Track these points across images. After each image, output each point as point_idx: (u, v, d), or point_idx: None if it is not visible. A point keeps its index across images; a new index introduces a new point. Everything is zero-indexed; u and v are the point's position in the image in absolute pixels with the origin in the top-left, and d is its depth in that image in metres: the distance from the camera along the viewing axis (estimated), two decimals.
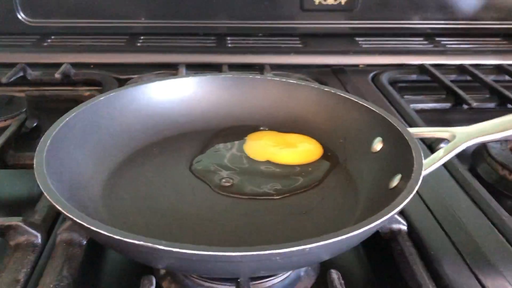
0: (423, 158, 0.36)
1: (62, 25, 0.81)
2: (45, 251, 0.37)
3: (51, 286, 0.32)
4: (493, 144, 0.54)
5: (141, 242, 0.26)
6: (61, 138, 0.38)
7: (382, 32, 0.83)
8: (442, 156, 0.37)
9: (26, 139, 0.57)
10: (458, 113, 0.65)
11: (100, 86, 0.67)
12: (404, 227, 0.39)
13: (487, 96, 0.66)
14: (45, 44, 0.78)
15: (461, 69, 0.72)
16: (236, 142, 0.47)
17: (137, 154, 0.45)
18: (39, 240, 0.37)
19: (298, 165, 0.44)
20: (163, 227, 0.36)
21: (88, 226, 0.27)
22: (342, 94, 0.47)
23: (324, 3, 0.79)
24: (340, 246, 0.29)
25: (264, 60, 0.73)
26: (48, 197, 0.30)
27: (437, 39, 0.83)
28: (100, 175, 0.41)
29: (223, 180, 0.41)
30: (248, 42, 0.80)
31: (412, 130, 0.40)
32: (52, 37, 0.80)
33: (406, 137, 0.38)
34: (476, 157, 0.55)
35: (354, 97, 0.46)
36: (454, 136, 0.39)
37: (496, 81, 0.68)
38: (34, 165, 0.34)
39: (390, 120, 0.41)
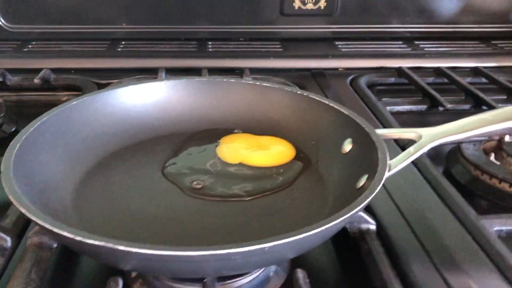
0: (388, 158, 0.36)
1: (43, 31, 0.81)
2: (15, 255, 0.38)
3: None
4: (466, 145, 0.55)
5: (102, 243, 0.26)
6: (31, 142, 0.39)
7: (361, 36, 0.84)
8: (407, 157, 0.38)
9: (4, 144, 0.57)
10: (433, 115, 0.66)
11: (80, 91, 0.67)
12: (372, 227, 0.39)
13: (463, 98, 0.67)
14: (26, 49, 0.79)
15: (438, 71, 0.73)
16: (210, 145, 0.48)
17: (110, 158, 0.45)
18: (9, 244, 0.37)
19: (271, 167, 0.45)
20: (132, 229, 0.37)
21: (49, 227, 0.28)
22: (314, 97, 0.47)
23: (303, 7, 0.80)
24: (299, 245, 0.29)
25: (244, 64, 0.74)
26: (11, 198, 0.30)
27: (415, 42, 0.85)
28: (71, 179, 0.41)
29: (194, 183, 0.42)
30: (229, 46, 0.80)
31: (379, 131, 0.41)
32: (33, 42, 0.80)
33: (373, 138, 0.39)
34: (450, 158, 0.56)
35: (325, 100, 0.46)
36: (420, 137, 0.40)
37: (472, 83, 0.69)
38: (1, 169, 0.34)
39: (358, 122, 0.42)
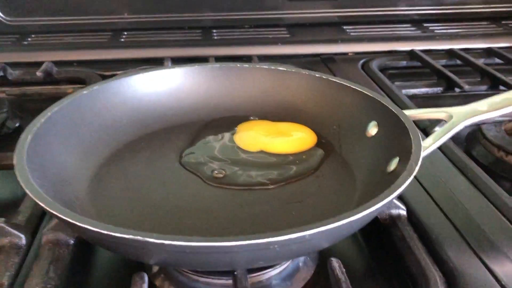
0: (421, 139, 0.35)
1: (43, 23, 0.78)
2: (30, 253, 0.36)
3: None
4: (487, 126, 0.53)
5: (131, 236, 0.25)
6: (43, 133, 0.37)
7: (369, 20, 0.82)
8: (440, 136, 0.36)
9: (8, 139, 0.55)
10: (449, 98, 0.64)
11: (84, 84, 0.65)
12: (403, 212, 0.38)
13: (478, 79, 0.65)
14: (25, 43, 0.76)
15: (450, 53, 0.72)
16: (226, 133, 0.46)
17: (124, 149, 0.43)
18: (23, 242, 0.35)
19: (292, 154, 0.43)
20: (154, 221, 0.35)
21: (73, 221, 0.26)
22: (334, 80, 0.45)
23: None
24: (341, 231, 0.27)
25: (252, 51, 0.72)
26: (29, 193, 0.28)
27: (425, 25, 0.83)
28: (86, 171, 0.39)
29: (215, 172, 0.40)
30: (234, 34, 0.78)
31: (407, 112, 0.39)
32: (33, 35, 0.78)
33: (403, 119, 0.37)
34: (470, 140, 0.54)
35: (346, 82, 0.44)
36: (451, 116, 0.38)
37: (487, 65, 0.67)
38: (14, 162, 0.32)
39: (385, 103, 0.40)
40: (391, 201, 0.29)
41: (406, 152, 0.34)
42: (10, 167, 0.46)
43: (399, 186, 0.29)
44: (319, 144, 0.44)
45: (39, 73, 0.65)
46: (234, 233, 0.34)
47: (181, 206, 0.36)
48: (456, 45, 0.74)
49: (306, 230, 0.25)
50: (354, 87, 0.44)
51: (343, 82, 0.45)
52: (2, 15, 0.77)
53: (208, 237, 0.24)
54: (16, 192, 0.45)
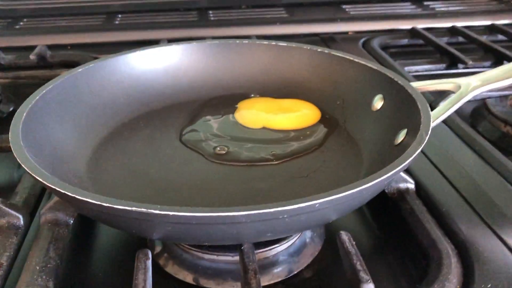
0: (429, 109, 0.34)
1: (35, 7, 0.77)
2: (29, 233, 0.35)
3: (38, 268, 0.30)
4: (493, 101, 0.52)
5: (134, 208, 0.24)
6: (38, 111, 0.35)
7: None
8: (448, 107, 0.35)
9: (2, 124, 0.53)
10: (453, 75, 0.63)
11: None
12: (411, 186, 0.37)
13: (481, 56, 0.64)
14: (18, 27, 0.74)
15: (453, 30, 0.70)
16: (227, 111, 0.45)
17: (123, 128, 0.42)
18: (21, 222, 0.34)
19: (296, 130, 0.42)
20: (156, 199, 0.34)
21: (75, 195, 0.25)
22: (336, 54, 0.44)
23: None
24: (352, 201, 0.26)
25: (249, 32, 0.70)
26: (26, 168, 0.27)
27: (425, 3, 0.81)
28: (84, 151, 0.38)
29: (218, 149, 0.39)
30: (231, 14, 0.77)
31: (414, 84, 0.38)
32: (25, 19, 0.76)
33: (410, 91, 0.36)
34: (475, 115, 0.53)
35: (350, 56, 0.43)
36: (459, 87, 0.37)
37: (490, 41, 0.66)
38: (10, 138, 0.31)
39: (391, 76, 0.39)
40: (402, 170, 0.28)
41: (414, 123, 0.33)
42: (5, 150, 0.45)
43: (411, 155, 0.28)
44: (323, 120, 0.43)
45: (32, 57, 0.64)
46: None
47: (183, 184, 0.35)
48: (458, 23, 0.73)
49: (316, 199, 0.24)
50: (358, 60, 0.42)
51: (346, 56, 0.43)
52: None
53: (215, 208, 0.23)
54: (12, 175, 0.44)
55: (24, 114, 0.34)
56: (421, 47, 0.69)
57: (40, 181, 0.26)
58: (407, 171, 0.38)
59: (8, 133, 0.31)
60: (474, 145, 0.43)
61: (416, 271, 0.32)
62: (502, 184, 0.38)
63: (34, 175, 0.26)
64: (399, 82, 0.38)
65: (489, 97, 0.52)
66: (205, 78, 0.48)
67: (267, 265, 0.32)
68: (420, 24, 0.72)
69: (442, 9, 0.79)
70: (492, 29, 0.71)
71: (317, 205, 0.24)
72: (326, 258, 0.34)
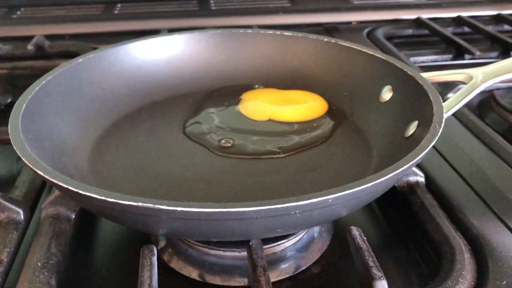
0: (441, 101, 0.33)
1: None
2: (29, 228, 0.34)
3: (39, 264, 0.29)
4: (500, 92, 0.52)
5: (140, 204, 0.23)
6: (37, 103, 0.34)
7: None
8: (461, 98, 0.34)
9: (0, 115, 0.52)
10: (459, 66, 0.62)
11: None
12: (421, 179, 0.36)
13: (488, 46, 0.63)
14: (15, 16, 0.73)
15: (458, 20, 0.69)
16: (231, 103, 0.44)
17: (124, 119, 0.41)
18: (22, 217, 0.33)
19: (302, 122, 0.41)
20: (160, 192, 0.33)
21: (78, 190, 0.24)
22: (343, 43, 0.43)
23: None
24: (364, 196, 0.25)
25: (252, 21, 0.69)
26: (27, 163, 0.26)
27: None
28: (85, 143, 0.37)
29: (223, 141, 0.38)
30: (233, 3, 0.75)
31: (424, 74, 0.37)
32: (22, 8, 0.74)
33: (420, 82, 0.35)
34: (483, 107, 0.52)
35: (357, 46, 0.42)
36: (470, 78, 0.36)
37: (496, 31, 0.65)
38: (9, 131, 0.30)
39: (400, 66, 0.38)
40: (417, 162, 0.27)
41: (425, 115, 0.32)
42: (3, 142, 0.44)
43: (425, 148, 0.27)
44: (330, 112, 0.42)
45: (30, 47, 0.62)
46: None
47: (188, 177, 0.34)
48: (464, 12, 0.71)
49: (329, 194, 0.23)
50: (365, 50, 0.41)
51: (353, 46, 0.42)
52: None
53: (225, 203, 0.22)
54: (11, 168, 0.43)
55: (24, 106, 0.32)
56: (426, 37, 0.68)
57: (43, 176, 0.25)
58: (417, 164, 0.37)
59: (6, 125, 0.30)
60: (483, 137, 0.42)
61: (428, 267, 0.31)
62: None
63: (36, 170, 0.25)
64: (409, 72, 0.37)
65: (497, 89, 0.51)
66: (208, 68, 0.46)
67: (275, 261, 0.31)
68: (425, 14, 0.71)
69: None
70: (498, 19, 0.70)
71: (330, 200, 0.23)
72: (335, 253, 0.33)
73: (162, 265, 0.31)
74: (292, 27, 0.69)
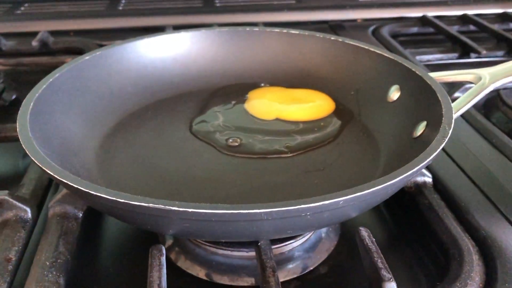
0: (450, 101, 0.33)
1: None
2: (37, 226, 0.34)
3: (47, 264, 0.29)
4: (507, 92, 0.51)
5: (151, 205, 0.23)
6: (45, 101, 0.34)
7: None
8: (470, 99, 0.34)
9: (5, 112, 0.52)
10: (465, 65, 0.62)
11: (82, 54, 0.62)
12: (429, 179, 0.36)
13: (494, 45, 0.63)
14: (19, 12, 0.73)
15: (464, 19, 0.69)
16: (237, 101, 0.44)
17: (131, 118, 0.41)
18: (29, 215, 0.33)
19: (309, 121, 0.40)
20: (167, 191, 0.33)
21: (88, 191, 0.24)
22: (351, 42, 0.43)
23: None
24: (375, 198, 0.25)
25: (256, 18, 0.69)
26: (36, 162, 0.26)
27: None
28: (92, 141, 0.37)
29: (230, 140, 0.38)
30: (238, 0, 0.75)
31: (432, 74, 0.37)
32: (26, 4, 0.74)
33: (429, 82, 0.35)
34: (489, 107, 0.52)
35: (364, 44, 0.42)
36: (479, 78, 0.36)
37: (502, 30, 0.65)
38: (18, 129, 0.29)
39: (408, 66, 0.38)
40: (428, 164, 0.27)
41: (434, 115, 0.32)
42: (9, 139, 0.44)
43: (436, 149, 0.27)
44: (337, 111, 0.41)
45: (34, 43, 0.62)
46: (255, 202, 0.32)
47: (195, 176, 0.34)
48: (469, 11, 0.71)
49: (340, 196, 0.23)
50: (373, 49, 0.41)
51: (360, 45, 0.42)
52: None
53: (236, 205, 0.22)
54: (17, 165, 0.43)
55: (31, 104, 0.32)
56: (431, 35, 0.68)
57: (53, 176, 0.25)
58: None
59: (11, 122, 0.30)
60: (490, 136, 0.42)
61: (436, 269, 0.31)
62: None
63: (46, 170, 0.25)
64: (417, 72, 0.37)
65: (503, 88, 0.51)
66: (214, 66, 0.46)
67: (283, 261, 0.31)
68: (431, 12, 0.71)
69: None
70: (504, 17, 0.69)
71: (341, 202, 0.23)
72: (342, 253, 0.33)
73: (169, 264, 0.31)
74: (297, 25, 0.69)
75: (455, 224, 0.32)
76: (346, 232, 0.34)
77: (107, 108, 0.40)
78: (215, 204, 0.22)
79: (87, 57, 0.40)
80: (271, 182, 0.34)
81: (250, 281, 0.30)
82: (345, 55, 0.43)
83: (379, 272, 0.26)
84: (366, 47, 0.42)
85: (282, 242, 0.31)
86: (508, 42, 0.61)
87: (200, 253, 0.32)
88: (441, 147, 0.27)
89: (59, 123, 0.35)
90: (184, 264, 0.32)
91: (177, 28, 0.66)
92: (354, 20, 0.71)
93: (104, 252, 0.34)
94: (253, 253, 0.29)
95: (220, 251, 0.31)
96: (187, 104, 0.43)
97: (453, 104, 0.33)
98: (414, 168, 0.25)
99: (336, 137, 0.38)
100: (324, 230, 0.34)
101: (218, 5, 0.74)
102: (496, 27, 0.66)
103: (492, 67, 0.37)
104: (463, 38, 0.61)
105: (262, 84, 0.46)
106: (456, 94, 0.48)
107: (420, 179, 0.36)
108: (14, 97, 0.55)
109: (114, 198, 0.23)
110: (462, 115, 0.45)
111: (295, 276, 0.31)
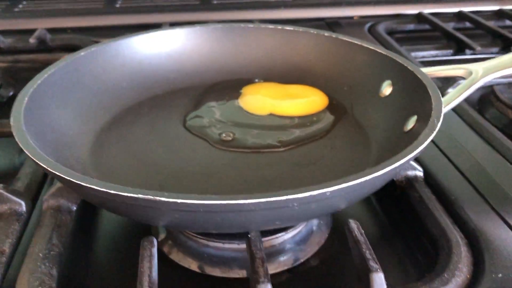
0: (440, 95, 0.33)
1: None
2: (31, 220, 0.34)
3: (41, 255, 0.29)
4: (501, 88, 0.52)
5: (140, 195, 0.23)
6: (40, 95, 0.35)
7: None
8: (459, 93, 0.34)
9: (2, 108, 0.53)
10: (460, 62, 0.62)
11: None
12: (420, 173, 0.36)
13: (489, 41, 0.63)
14: (17, 9, 0.73)
15: (459, 15, 0.69)
16: (231, 97, 0.44)
17: (126, 113, 0.41)
18: (24, 208, 0.33)
19: (302, 116, 0.41)
20: (160, 185, 0.33)
21: (80, 182, 0.24)
22: (344, 38, 0.43)
23: None
24: (362, 189, 0.26)
25: (253, 16, 0.69)
26: (30, 155, 0.27)
27: None
28: (87, 136, 0.37)
29: (223, 135, 0.38)
30: None
31: (424, 70, 0.37)
32: (24, 2, 0.75)
33: (420, 76, 0.35)
34: (483, 102, 0.52)
35: (357, 40, 0.42)
36: (470, 73, 0.36)
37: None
38: (12, 123, 0.30)
39: (400, 61, 0.38)
40: (416, 156, 0.27)
41: (424, 109, 0.32)
42: (6, 135, 0.45)
43: (423, 142, 0.27)
44: (330, 106, 0.42)
45: (32, 40, 0.62)
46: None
47: (188, 170, 0.35)
48: (465, 7, 0.71)
49: (327, 187, 0.23)
50: (366, 45, 0.41)
51: (353, 41, 0.43)
52: None
53: (224, 195, 0.23)
54: (13, 160, 0.43)
55: (26, 99, 0.33)
56: (427, 32, 0.68)
57: (45, 168, 0.25)
58: (415, 158, 0.37)
59: (8, 118, 0.31)
60: (482, 132, 0.42)
61: (425, 260, 0.32)
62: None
63: (38, 162, 0.26)
64: (409, 67, 0.37)
65: (497, 84, 0.51)
66: (209, 62, 0.47)
67: (274, 253, 0.32)
68: (427, 9, 0.71)
69: None
70: (500, 14, 0.70)
71: (328, 193, 0.23)
72: (333, 246, 0.33)
73: (162, 256, 0.32)
74: (293, 22, 0.69)
75: (444, 217, 0.32)
76: (338, 225, 0.35)
77: (102, 103, 0.40)
78: (203, 195, 0.23)
79: (82, 53, 0.41)
80: (264, 175, 0.34)
81: (242, 273, 0.31)
82: (339, 51, 0.43)
83: (367, 263, 0.26)
84: (359, 43, 0.42)
85: (273, 235, 0.32)
86: (503, 38, 0.61)
87: (192, 245, 0.32)
88: (428, 140, 0.27)
89: (53, 118, 0.35)
90: (176, 256, 0.32)
91: (174, 25, 0.66)
92: (351, 17, 0.72)
93: (98, 245, 0.34)
94: (244, 246, 0.29)
95: (212, 244, 0.32)
96: (182, 100, 0.44)
97: (443, 98, 0.33)
98: (401, 160, 0.25)
99: (329, 131, 0.39)
100: (315, 223, 0.34)
101: (215, 2, 0.75)
102: (492, 24, 0.66)
103: (484, 62, 0.37)
104: (458, 34, 0.61)
105: (257, 80, 0.46)
106: (450, 90, 0.48)
107: (411, 173, 0.36)
108: (11, 93, 0.56)
109: (105, 190, 0.23)
110: (455, 110, 0.46)
111: (286, 268, 0.31)
